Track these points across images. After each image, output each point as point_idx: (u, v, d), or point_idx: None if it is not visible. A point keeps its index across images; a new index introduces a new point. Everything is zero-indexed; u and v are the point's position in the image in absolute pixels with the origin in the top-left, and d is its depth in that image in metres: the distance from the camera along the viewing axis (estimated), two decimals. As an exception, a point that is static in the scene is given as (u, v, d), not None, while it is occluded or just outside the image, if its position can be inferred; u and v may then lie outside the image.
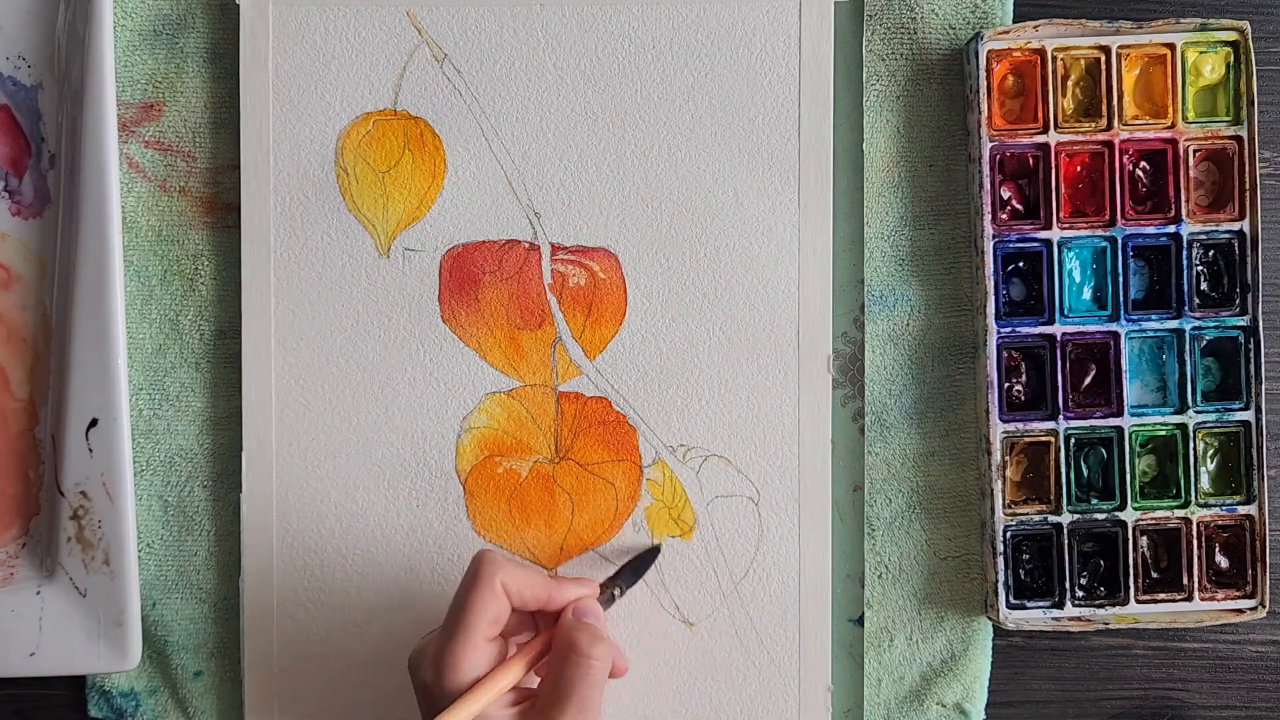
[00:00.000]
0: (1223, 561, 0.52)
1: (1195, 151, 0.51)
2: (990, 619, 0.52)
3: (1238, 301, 0.51)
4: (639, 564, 0.51)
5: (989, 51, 0.51)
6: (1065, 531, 0.51)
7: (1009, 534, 0.51)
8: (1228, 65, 0.51)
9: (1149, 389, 0.52)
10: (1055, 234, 0.51)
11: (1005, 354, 0.51)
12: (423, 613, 0.52)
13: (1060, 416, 0.51)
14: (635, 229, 0.52)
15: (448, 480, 0.52)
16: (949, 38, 0.52)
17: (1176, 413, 0.51)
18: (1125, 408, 0.51)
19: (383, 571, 0.52)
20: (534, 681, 0.47)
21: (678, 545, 0.52)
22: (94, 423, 0.50)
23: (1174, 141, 0.51)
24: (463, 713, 0.43)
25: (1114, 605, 0.51)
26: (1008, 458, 0.51)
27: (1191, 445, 0.51)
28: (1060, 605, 0.51)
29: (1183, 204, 0.51)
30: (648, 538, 0.52)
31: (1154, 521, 0.51)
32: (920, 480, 0.53)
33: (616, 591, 0.50)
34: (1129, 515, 0.51)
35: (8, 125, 0.51)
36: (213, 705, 0.53)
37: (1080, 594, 0.51)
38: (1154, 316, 0.51)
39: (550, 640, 0.46)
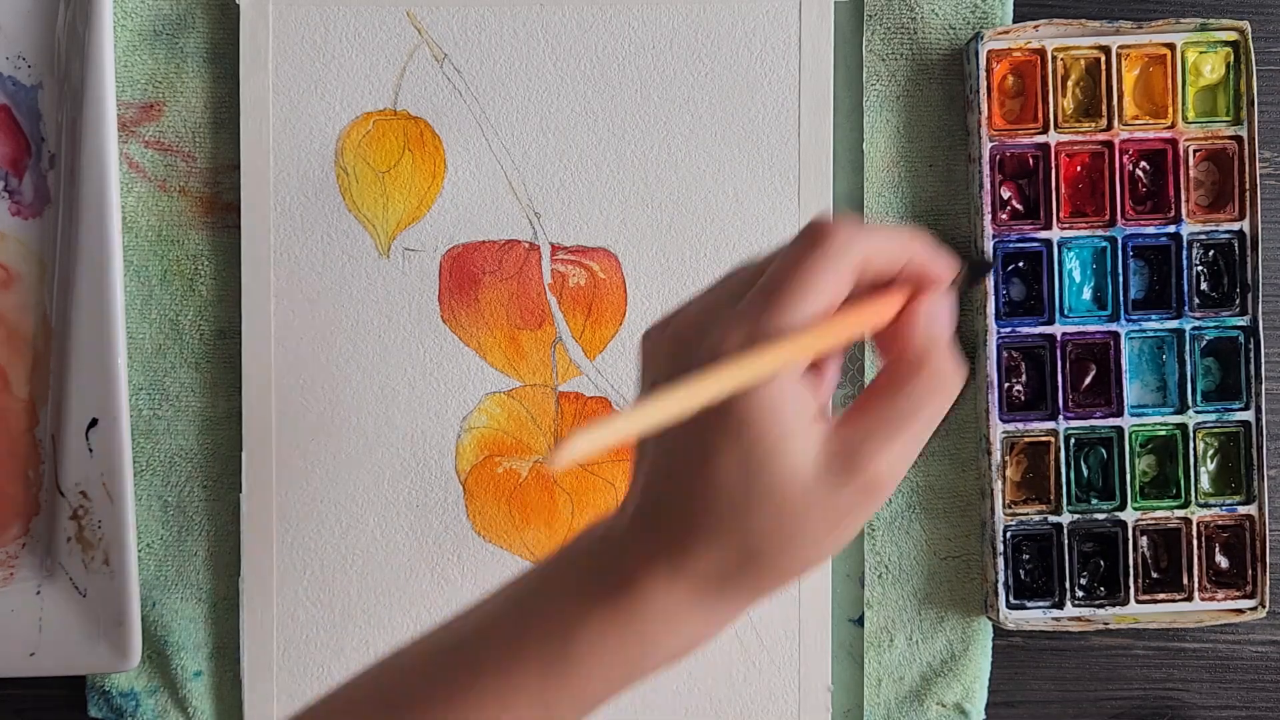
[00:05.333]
0: (1223, 561, 0.52)
1: (1195, 151, 0.51)
2: (990, 619, 0.52)
3: (1238, 301, 0.51)
4: (976, 270, 0.42)
5: (989, 51, 0.51)
6: (1065, 531, 0.51)
7: (1009, 534, 0.51)
8: (1228, 65, 0.51)
9: (1149, 389, 0.52)
10: (1055, 234, 0.51)
11: (1005, 354, 0.51)
12: (422, 613, 0.52)
13: (1060, 416, 0.51)
14: (635, 229, 0.52)
15: (448, 480, 0.52)
16: (949, 38, 0.52)
17: (1176, 413, 0.51)
18: (1125, 408, 0.51)
19: (383, 571, 0.52)
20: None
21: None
22: (94, 423, 0.50)
23: (1174, 141, 0.51)
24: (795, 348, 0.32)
25: (1114, 605, 0.51)
26: (1008, 458, 0.51)
27: (1191, 445, 0.51)
28: (1060, 605, 0.51)
29: (1183, 204, 0.51)
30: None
31: (1154, 521, 0.51)
32: (920, 480, 0.53)
33: (959, 284, 0.38)
34: (1129, 515, 0.51)
35: (8, 125, 0.51)
36: (213, 705, 0.53)
37: (1080, 594, 0.51)
38: (1154, 316, 0.51)
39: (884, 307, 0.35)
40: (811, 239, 0.34)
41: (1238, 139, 0.51)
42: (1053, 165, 0.51)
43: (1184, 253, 0.51)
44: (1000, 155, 0.51)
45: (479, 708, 0.33)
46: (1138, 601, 0.51)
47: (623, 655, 0.34)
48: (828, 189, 0.52)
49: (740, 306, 0.34)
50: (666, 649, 0.34)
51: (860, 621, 0.53)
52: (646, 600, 0.33)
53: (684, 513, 0.33)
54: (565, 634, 0.34)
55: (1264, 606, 0.51)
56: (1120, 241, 0.51)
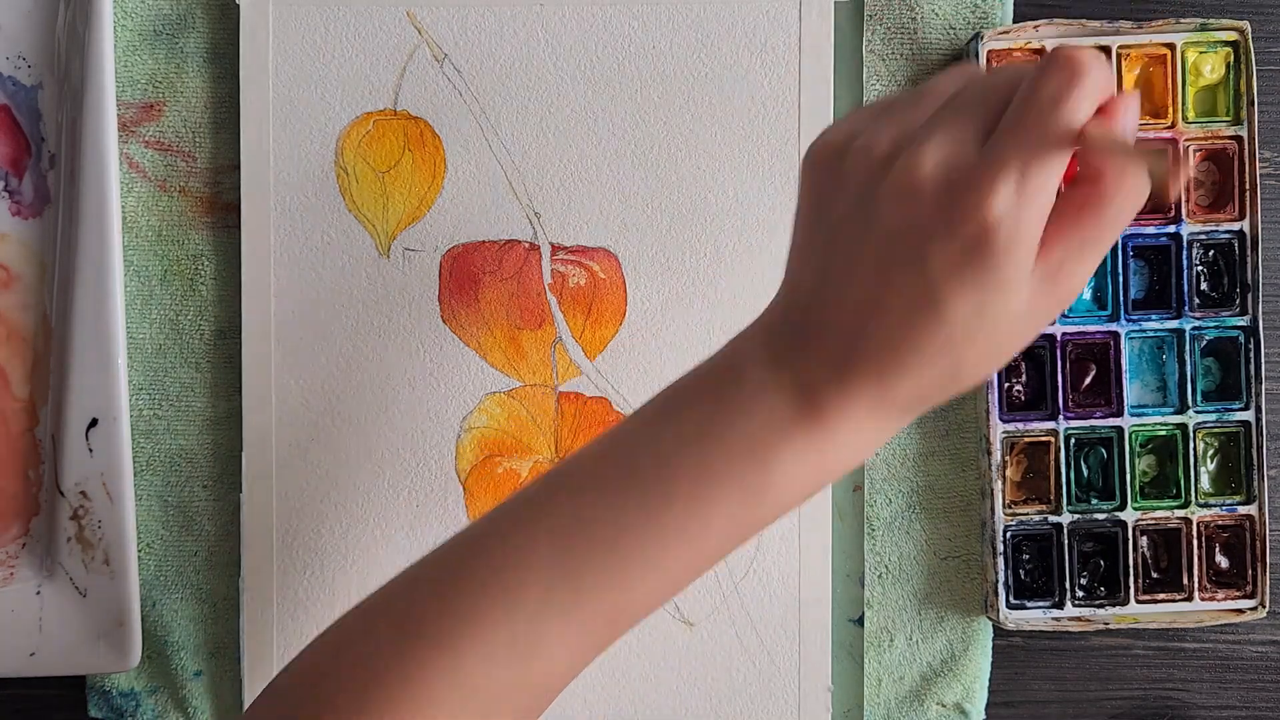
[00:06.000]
0: (1223, 561, 0.52)
1: (1195, 151, 0.51)
2: (990, 619, 0.52)
3: (1238, 301, 0.51)
4: None
5: (989, 51, 0.51)
6: (1065, 531, 0.51)
7: (1009, 534, 0.51)
8: (1228, 65, 0.51)
9: (1149, 389, 0.52)
10: (1055, 234, 0.51)
11: (1005, 354, 0.51)
12: (423, 613, 0.52)
13: (1060, 416, 0.51)
14: (635, 229, 0.52)
15: (448, 480, 0.52)
16: (949, 38, 0.52)
17: (1176, 413, 0.51)
18: (1125, 408, 0.51)
19: (383, 572, 0.52)
20: None
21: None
22: (94, 423, 0.50)
23: (1174, 141, 0.51)
24: None
25: (1114, 605, 0.51)
26: (1008, 458, 0.51)
27: (1191, 445, 0.51)
28: (1060, 605, 0.51)
29: (1183, 204, 0.51)
30: None
31: (1154, 521, 0.51)
32: (920, 480, 0.53)
33: None
34: (1129, 515, 0.51)
35: (8, 125, 0.51)
36: (213, 705, 0.53)
37: (1080, 594, 0.51)
38: (1154, 316, 0.51)
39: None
40: (1070, 71, 0.33)
41: (1238, 139, 0.51)
42: (1053, 165, 0.51)
43: (1184, 253, 0.51)
44: (1000, 155, 0.51)
45: (679, 532, 0.35)
46: (1138, 601, 0.51)
47: (816, 473, 0.36)
48: (828, 189, 0.52)
49: (999, 149, 0.33)
50: (854, 460, 0.36)
51: (860, 621, 0.53)
52: (843, 425, 0.35)
53: (899, 348, 0.34)
54: (764, 461, 0.35)
55: (1264, 606, 0.51)
56: (1120, 241, 0.51)
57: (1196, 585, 0.51)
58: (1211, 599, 0.51)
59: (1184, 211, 0.51)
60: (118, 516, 0.50)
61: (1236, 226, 0.51)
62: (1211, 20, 0.51)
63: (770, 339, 0.36)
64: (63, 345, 0.50)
